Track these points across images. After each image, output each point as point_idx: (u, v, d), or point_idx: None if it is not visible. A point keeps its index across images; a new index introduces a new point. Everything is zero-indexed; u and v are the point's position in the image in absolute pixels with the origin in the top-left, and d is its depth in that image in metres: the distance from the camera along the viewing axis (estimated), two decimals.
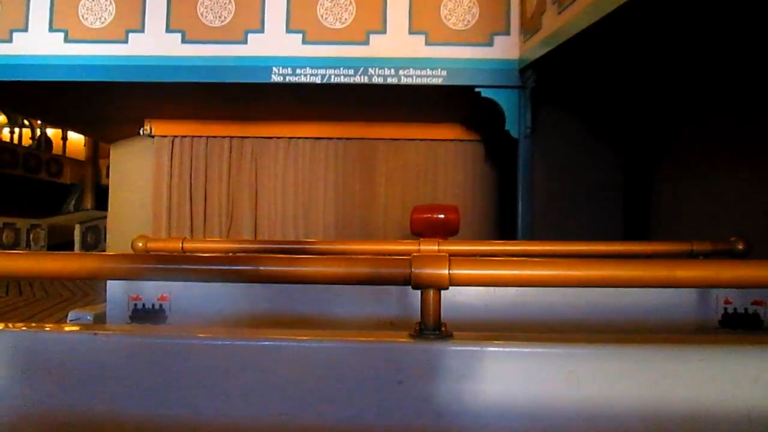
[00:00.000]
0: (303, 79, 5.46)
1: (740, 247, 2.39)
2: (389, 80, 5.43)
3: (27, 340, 1.25)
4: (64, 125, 12.60)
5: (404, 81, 5.43)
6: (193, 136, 7.55)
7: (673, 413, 1.14)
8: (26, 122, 21.07)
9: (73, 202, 19.51)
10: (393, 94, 5.93)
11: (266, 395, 1.18)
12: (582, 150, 5.77)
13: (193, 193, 7.52)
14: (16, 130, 20.46)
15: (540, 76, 5.22)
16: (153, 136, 7.53)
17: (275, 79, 5.46)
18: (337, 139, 7.52)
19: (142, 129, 7.47)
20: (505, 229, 7.20)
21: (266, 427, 1.16)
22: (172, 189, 7.49)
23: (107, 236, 9.25)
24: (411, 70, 5.43)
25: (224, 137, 7.53)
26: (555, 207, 5.65)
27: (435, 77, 5.43)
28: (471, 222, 7.40)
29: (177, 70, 5.54)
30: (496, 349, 1.18)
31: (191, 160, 7.54)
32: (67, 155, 21.47)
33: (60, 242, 13.84)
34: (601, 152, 5.81)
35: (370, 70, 5.43)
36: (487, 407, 1.15)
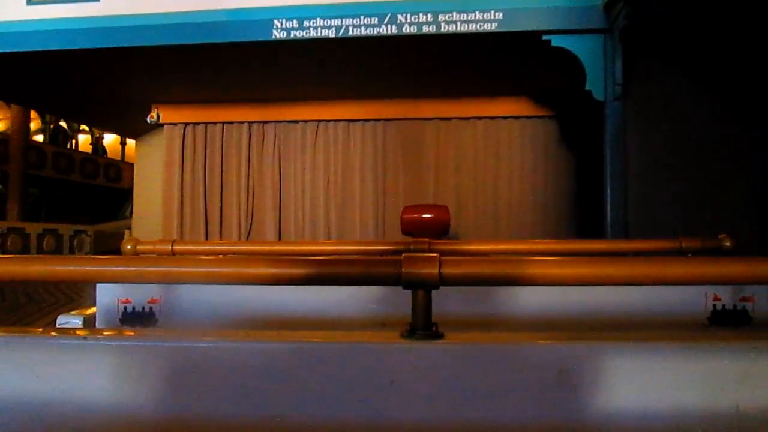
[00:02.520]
0: (313, 34, 4.16)
1: (728, 244, 2.45)
2: (425, 29, 4.06)
3: (15, 345, 1.24)
4: (69, 116, 11.65)
5: (445, 29, 4.04)
6: (207, 123, 6.41)
7: (662, 410, 1.14)
8: (85, 128, 20.95)
9: (130, 207, 19.10)
10: (435, 53, 4.57)
11: (257, 396, 1.18)
12: (699, 117, 4.14)
13: (208, 190, 6.38)
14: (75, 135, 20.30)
15: (634, 11, 3.72)
16: (162, 125, 6.43)
17: (277, 35, 4.19)
18: (375, 120, 6.19)
19: (148, 116, 6.37)
20: (587, 227, 5.67)
21: (257, 428, 1.16)
22: (185, 186, 6.37)
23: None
24: (454, 14, 4.03)
25: (242, 123, 6.36)
26: (659, 196, 4.09)
27: (487, 22, 4.01)
28: (543, 220, 5.95)
29: (158, 30, 4.36)
30: (487, 348, 1.21)
31: (205, 152, 6.40)
32: (126, 160, 21.24)
33: (107, 249, 13.19)
34: (729, 120, 4.16)
35: (398, 17, 4.07)
36: (478, 407, 1.16)
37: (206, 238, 6.30)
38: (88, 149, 21.10)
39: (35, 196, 17.40)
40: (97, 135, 21.23)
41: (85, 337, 1.28)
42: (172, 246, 2.62)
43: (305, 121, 6.26)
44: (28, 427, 1.19)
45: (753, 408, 1.14)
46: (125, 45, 4.44)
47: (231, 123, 6.37)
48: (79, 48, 4.54)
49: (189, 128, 6.42)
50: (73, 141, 20.72)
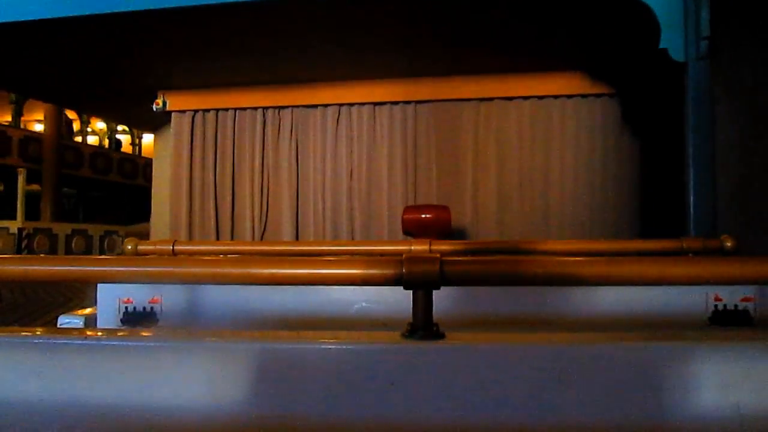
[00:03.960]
0: None
1: (729, 244, 2.44)
2: None
3: (16, 344, 1.25)
4: (69, 104, 10.92)
5: None
6: (218, 110, 5.71)
7: (663, 410, 1.14)
8: (125, 128, 20.80)
9: None
10: (474, 18, 3.76)
11: (256, 397, 1.18)
12: None
13: (219, 186, 5.69)
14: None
15: None
16: (168, 113, 5.78)
17: None
18: (405, 103, 5.38)
19: (154, 103, 5.73)
20: (656, 227, 4.76)
21: (257, 428, 1.16)
22: (194, 181, 5.70)
23: None
24: None
25: (256, 108, 5.64)
26: (760, 188, 3.16)
27: None
28: (603, 219, 5.04)
29: None
30: (488, 348, 1.21)
31: (216, 142, 5.71)
32: None
33: None
34: None
35: None
36: (479, 407, 1.15)
37: (217, 239, 5.62)
38: (129, 149, 20.92)
39: (73, 196, 17.26)
40: (138, 135, 21.05)
41: (86, 337, 1.30)
42: (173, 246, 2.63)
43: (325, 106, 5.50)
44: (29, 427, 1.19)
45: (754, 408, 1.13)
46: (122, 9, 3.77)
47: (244, 109, 5.67)
48: (68, 16, 3.89)
49: (198, 116, 5.74)
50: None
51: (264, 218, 5.58)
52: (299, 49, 4.62)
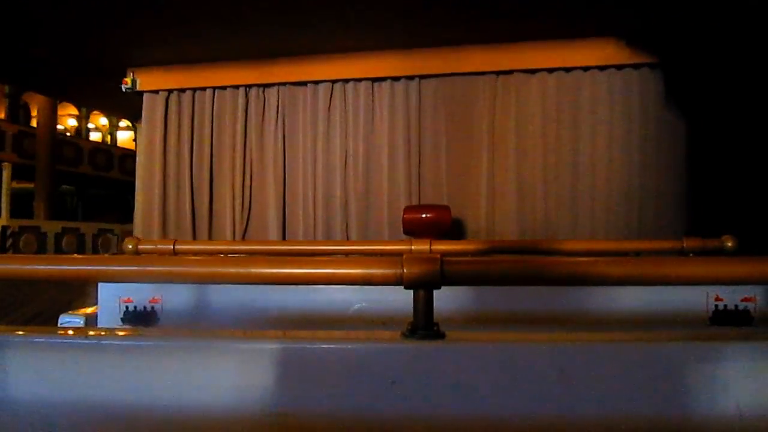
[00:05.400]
0: None
1: (730, 244, 2.54)
2: None
3: (16, 344, 1.25)
4: (36, 88, 9.96)
5: None
6: (195, 89, 4.97)
7: (664, 409, 1.14)
8: (128, 123, 20.16)
9: None
10: None
11: (257, 395, 1.18)
12: None
13: (196, 177, 4.95)
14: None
15: None
16: (140, 93, 5.05)
17: None
18: (408, 78, 4.59)
19: (123, 83, 5.00)
20: (707, 223, 3.96)
21: (257, 427, 1.16)
22: (168, 171, 4.97)
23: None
24: None
25: (237, 87, 4.88)
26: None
27: None
28: (640, 213, 4.27)
29: None
30: (489, 348, 1.22)
31: (192, 126, 4.97)
32: None
33: None
34: None
35: None
36: (479, 406, 1.15)
37: (194, 238, 4.88)
38: (133, 146, 20.32)
39: (71, 194, 16.67)
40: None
41: (86, 337, 1.34)
42: (173, 245, 2.67)
43: (316, 83, 4.73)
44: (29, 426, 1.19)
45: (754, 408, 1.13)
46: None
47: (224, 88, 4.91)
48: None
49: (173, 97, 5.00)
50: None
51: (246, 215, 4.83)
52: (286, 17, 3.91)
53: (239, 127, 4.86)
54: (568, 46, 4.29)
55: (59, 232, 10.96)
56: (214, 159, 4.92)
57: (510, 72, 4.42)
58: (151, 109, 5.01)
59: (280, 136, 4.80)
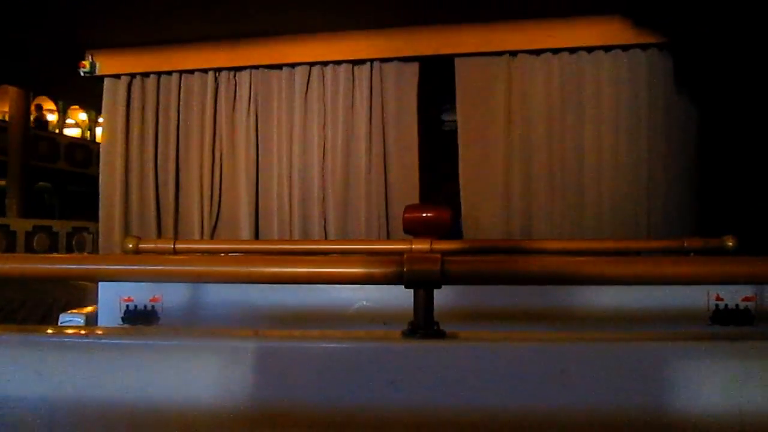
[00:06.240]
0: None
1: (731, 244, 2.50)
2: None
3: (16, 343, 1.25)
4: None
5: None
6: (160, 73, 4.53)
7: (664, 410, 1.13)
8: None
9: None
10: None
11: (257, 395, 1.18)
12: None
13: (161, 168, 4.51)
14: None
15: None
16: (100, 78, 4.60)
17: None
18: (394, 60, 4.16)
19: (80, 66, 4.55)
20: (723, 224, 3.59)
21: (258, 426, 1.16)
22: (130, 163, 4.53)
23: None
24: None
25: (206, 71, 4.45)
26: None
27: None
28: (650, 210, 3.86)
29: None
30: (489, 347, 1.21)
31: (157, 114, 4.53)
32: None
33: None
34: None
35: None
36: (480, 406, 1.14)
37: (158, 236, 4.45)
38: None
39: (48, 191, 16.11)
40: None
41: (87, 336, 1.37)
42: (174, 245, 2.73)
43: (292, 66, 4.29)
44: (30, 426, 1.19)
45: (755, 408, 1.12)
46: None
47: (191, 72, 4.47)
48: None
49: (136, 82, 4.55)
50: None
51: (216, 210, 4.40)
52: None
53: (208, 115, 4.42)
54: (569, 24, 3.88)
55: (30, 230, 10.45)
56: (180, 150, 4.48)
57: (506, 54, 4.00)
58: (112, 95, 4.56)
59: (252, 124, 4.36)
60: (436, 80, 4.21)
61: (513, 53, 3.99)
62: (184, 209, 4.45)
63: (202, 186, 4.39)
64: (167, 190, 4.46)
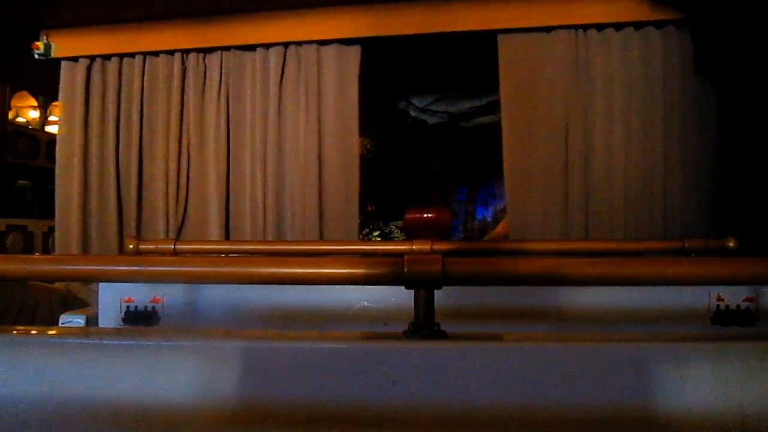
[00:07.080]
0: None
1: (732, 244, 2.45)
2: None
3: (16, 343, 1.25)
4: None
5: None
6: (122, 55, 4.09)
7: (665, 411, 1.12)
8: None
9: None
10: None
11: (258, 395, 1.18)
12: None
13: (123, 161, 4.07)
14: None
15: None
16: (56, 60, 4.16)
17: None
18: (380, 39, 3.73)
19: (33, 48, 4.11)
20: (747, 223, 3.20)
21: (258, 426, 1.16)
22: (89, 155, 4.10)
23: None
24: None
25: (173, 52, 4.02)
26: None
27: None
28: (663, 211, 3.46)
29: None
30: (490, 348, 1.22)
31: (119, 100, 4.09)
32: None
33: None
34: None
35: None
36: (480, 407, 1.14)
37: (119, 238, 4.02)
38: None
39: (28, 189, 15.63)
40: None
41: (87, 336, 1.37)
42: (174, 245, 2.71)
43: (266, 46, 3.86)
44: (30, 426, 1.18)
45: (756, 408, 1.12)
46: None
47: (156, 54, 4.03)
48: None
49: (96, 65, 4.12)
50: None
51: (182, 207, 3.96)
52: None
53: (174, 101, 3.99)
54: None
55: (3, 230, 9.96)
56: (144, 140, 4.05)
57: (507, 31, 3.58)
58: (70, 79, 4.13)
59: (223, 110, 3.93)
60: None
61: (523, 31, 3.58)
62: (148, 205, 4.02)
63: (167, 179, 3.96)
64: (129, 185, 4.03)
